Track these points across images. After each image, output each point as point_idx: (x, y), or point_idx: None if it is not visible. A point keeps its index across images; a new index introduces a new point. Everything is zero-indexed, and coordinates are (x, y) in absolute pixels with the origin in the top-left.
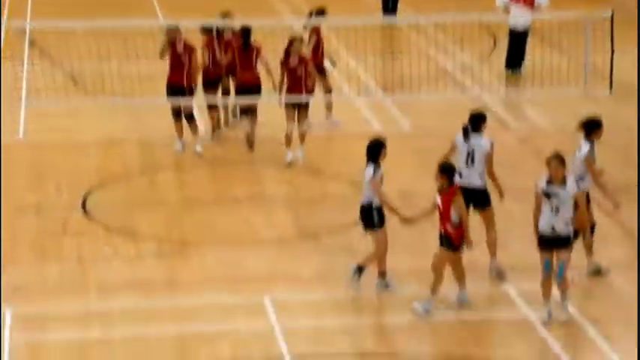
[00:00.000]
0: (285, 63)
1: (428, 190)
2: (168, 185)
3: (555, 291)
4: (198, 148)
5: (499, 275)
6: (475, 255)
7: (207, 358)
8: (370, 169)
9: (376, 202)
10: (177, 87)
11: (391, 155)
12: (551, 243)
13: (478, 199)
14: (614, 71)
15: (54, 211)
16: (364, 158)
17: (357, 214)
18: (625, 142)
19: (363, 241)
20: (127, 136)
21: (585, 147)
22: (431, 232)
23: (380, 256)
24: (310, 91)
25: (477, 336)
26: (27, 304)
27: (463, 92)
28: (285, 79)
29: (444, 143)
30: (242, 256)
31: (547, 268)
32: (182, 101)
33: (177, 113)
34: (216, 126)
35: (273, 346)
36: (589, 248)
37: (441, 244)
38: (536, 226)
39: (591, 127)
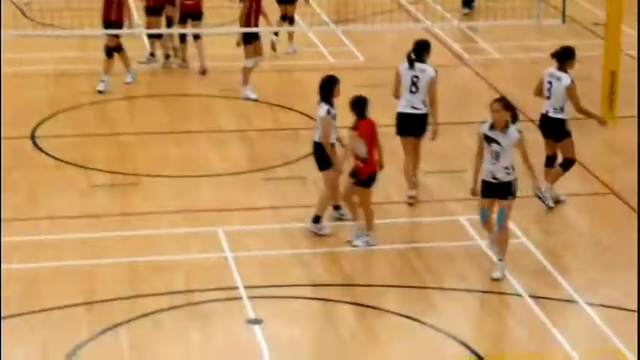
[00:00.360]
0: None
1: (380, 123)
2: (120, 117)
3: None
4: (129, 79)
5: (412, 184)
6: (428, 186)
7: (161, 288)
8: (323, 109)
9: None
10: (110, 22)
11: (345, 88)
12: (491, 190)
13: (418, 125)
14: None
15: (3, 142)
16: (317, 93)
17: (309, 146)
18: (576, 74)
19: (315, 173)
20: (77, 68)
21: (565, 77)
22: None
23: (331, 195)
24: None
25: (429, 263)
26: None
27: (417, 24)
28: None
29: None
30: (196, 187)
31: (483, 217)
32: (117, 34)
33: (108, 51)
34: (166, 55)
35: (227, 276)
36: (555, 178)
37: (350, 174)
38: (475, 172)
39: (565, 57)
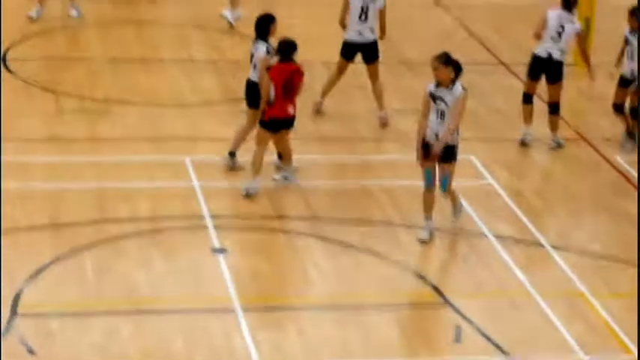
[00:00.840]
0: None
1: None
2: (91, 42)
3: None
4: (74, 13)
5: (382, 123)
6: (399, 125)
7: (126, 213)
8: (261, 49)
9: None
10: None
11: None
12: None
13: (368, 52)
14: None
15: None
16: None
17: None
18: None
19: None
20: None
21: (577, 21)
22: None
23: (245, 132)
24: None
25: (397, 200)
26: None
27: None
28: None
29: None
30: (165, 116)
31: (429, 178)
32: None
33: None
34: None
35: (193, 205)
36: (555, 125)
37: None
38: (420, 133)
39: (576, 1)
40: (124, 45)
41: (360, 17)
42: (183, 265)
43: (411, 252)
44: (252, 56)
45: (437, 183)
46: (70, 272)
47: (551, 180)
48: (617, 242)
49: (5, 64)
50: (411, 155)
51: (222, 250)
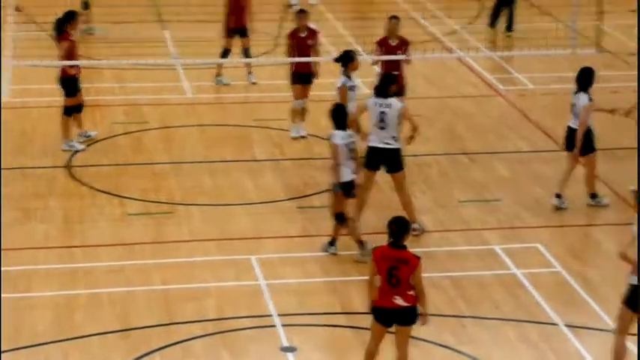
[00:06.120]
0: None
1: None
2: (154, 146)
3: None
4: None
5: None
6: (463, 215)
7: (194, 314)
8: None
9: None
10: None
11: None
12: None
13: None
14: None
15: (39, 172)
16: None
17: None
18: (612, 104)
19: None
20: (113, 99)
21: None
22: None
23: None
24: None
25: (464, 292)
26: (13, 264)
27: (451, 54)
28: None
29: None
30: (230, 216)
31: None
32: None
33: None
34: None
35: (260, 304)
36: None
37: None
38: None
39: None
40: (187, 146)
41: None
42: None
43: (481, 344)
44: None
45: None
46: None
47: (616, 264)
48: None
49: (70, 172)
50: (477, 246)
51: (291, 349)
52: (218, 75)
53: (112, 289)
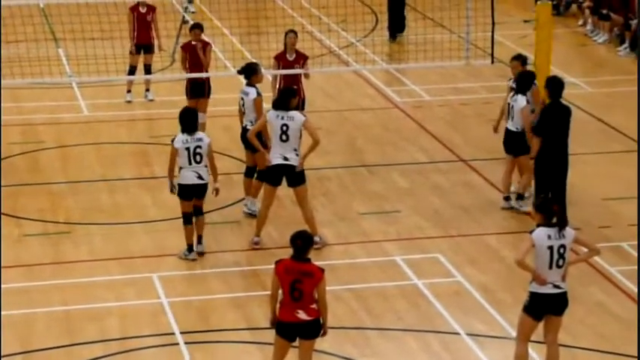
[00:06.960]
0: None
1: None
2: (51, 165)
3: None
4: None
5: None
6: (363, 227)
7: (96, 334)
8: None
9: None
10: None
11: None
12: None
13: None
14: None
15: None
16: None
17: (241, 187)
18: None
19: (248, 219)
20: (10, 118)
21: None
22: None
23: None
24: None
25: (366, 304)
26: None
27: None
28: None
29: None
30: (129, 234)
31: None
32: None
33: None
34: None
35: (162, 322)
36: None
37: None
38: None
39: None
40: (83, 165)
41: (281, 138)
42: None
43: (384, 355)
44: None
45: None
46: None
47: (515, 270)
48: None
49: None
50: (378, 257)
51: None
52: (129, 91)
53: (12, 312)
